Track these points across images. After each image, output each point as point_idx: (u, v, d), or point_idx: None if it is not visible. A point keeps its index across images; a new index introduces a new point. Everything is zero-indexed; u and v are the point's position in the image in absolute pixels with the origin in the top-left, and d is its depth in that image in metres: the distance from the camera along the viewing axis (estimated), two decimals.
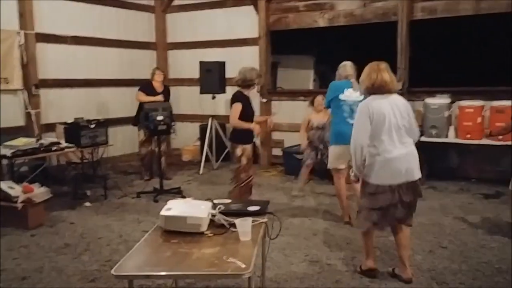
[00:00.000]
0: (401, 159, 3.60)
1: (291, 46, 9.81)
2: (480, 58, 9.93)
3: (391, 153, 3.60)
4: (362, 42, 9.56)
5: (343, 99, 5.09)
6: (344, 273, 4.01)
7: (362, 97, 4.90)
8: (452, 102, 6.85)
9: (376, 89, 3.66)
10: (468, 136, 6.60)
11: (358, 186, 5.03)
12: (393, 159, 3.59)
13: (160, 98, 7.21)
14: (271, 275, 3.93)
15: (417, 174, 3.68)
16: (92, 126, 6.33)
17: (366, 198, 3.74)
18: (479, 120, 6.57)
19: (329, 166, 5.29)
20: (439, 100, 6.80)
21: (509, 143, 6.30)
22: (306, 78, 10.29)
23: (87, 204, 6.22)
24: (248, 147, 5.17)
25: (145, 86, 7.43)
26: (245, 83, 5.16)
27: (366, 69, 3.77)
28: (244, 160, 5.11)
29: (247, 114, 5.13)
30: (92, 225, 5.42)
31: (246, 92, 5.21)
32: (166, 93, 7.51)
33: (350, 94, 5.07)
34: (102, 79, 8.50)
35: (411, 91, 7.21)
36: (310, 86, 10.29)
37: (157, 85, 7.45)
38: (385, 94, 3.67)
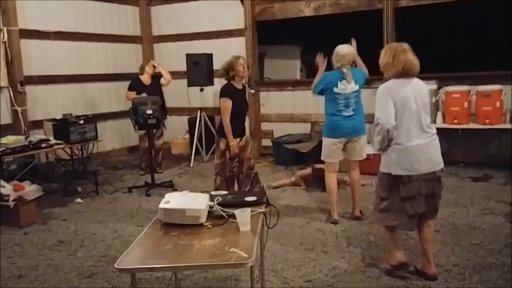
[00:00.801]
0: (421, 148, 3.37)
1: (278, 37, 9.81)
2: (465, 44, 10.03)
3: (411, 141, 3.37)
4: (348, 31, 9.58)
5: (338, 92, 4.85)
6: (340, 259, 4.06)
7: (357, 87, 4.86)
8: (439, 88, 6.93)
9: (405, 72, 3.39)
10: (456, 121, 6.68)
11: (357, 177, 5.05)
12: (413, 147, 3.36)
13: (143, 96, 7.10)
14: (268, 264, 3.96)
15: (437, 165, 3.44)
16: (81, 121, 6.27)
17: (384, 190, 3.53)
18: (466, 105, 6.65)
19: (322, 157, 5.12)
20: (426, 86, 6.85)
21: (496, 126, 6.41)
22: (293, 68, 10.31)
23: (79, 200, 6.18)
24: (234, 141, 4.99)
25: (133, 84, 7.41)
26: (228, 74, 4.96)
27: (389, 52, 3.46)
28: (227, 154, 4.98)
29: (238, 109, 4.95)
30: (85, 221, 5.40)
31: (236, 83, 5.00)
32: (156, 84, 7.45)
33: (345, 87, 4.85)
34: (87, 74, 8.42)
35: None
36: (297, 76, 10.31)
37: (145, 79, 7.40)
38: (409, 78, 3.42)
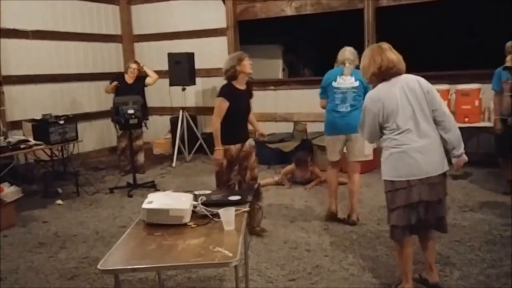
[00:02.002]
0: (420, 150, 3.10)
1: (259, 36, 9.84)
2: (445, 43, 10.19)
3: (408, 144, 3.12)
4: (329, 30, 9.67)
5: (335, 87, 4.77)
6: (324, 258, 4.08)
7: (358, 83, 4.74)
8: None
9: (383, 73, 3.18)
10: None
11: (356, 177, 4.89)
12: (410, 150, 3.10)
13: (114, 83, 7.11)
14: (252, 263, 3.96)
15: (439, 168, 3.16)
16: (61, 122, 6.17)
17: (386, 198, 3.27)
18: (445, 103, 6.73)
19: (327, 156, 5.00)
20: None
21: (475, 125, 6.51)
22: (275, 67, 10.35)
23: (59, 202, 6.10)
24: (232, 147, 4.44)
25: (115, 77, 7.35)
26: (227, 73, 4.41)
27: (367, 53, 3.31)
28: (224, 162, 4.43)
29: (235, 111, 4.39)
30: (66, 223, 5.32)
31: (238, 84, 4.43)
32: (139, 84, 7.38)
33: (344, 81, 4.75)
34: (67, 73, 8.30)
35: None
36: (280, 75, 10.35)
37: (128, 78, 7.34)
38: (395, 78, 3.19)
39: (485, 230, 4.48)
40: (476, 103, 6.48)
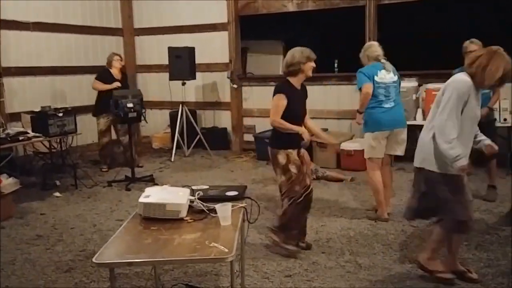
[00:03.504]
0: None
1: (261, 31, 9.81)
2: (446, 41, 10.14)
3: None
4: (331, 27, 9.65)
5: (378, 81, 4.66)
6: (320, 255, 4.08)
7: (396, 77, 4.76)
8: (420, 85, 7.00)
9: (505, 76, 3.20)
10: None
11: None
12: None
13: (116, 85, 6.99)
14: (249, 258, 3.97)
15: (420, 163, 3.41)
16: (60, 114, 6.17)
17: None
18: None
19: (365, 155, 4.88)
20: (407, 84, 6.91)
21: None
22: (275, 63, 10.30)
23: (57, 194, 6.10)
24: (294, 152, 4.01)
25: (102, 74, 7.24)
26: (290, 68, 3.97)
27: (490, 58, 3.18)
28: (293, 169, 3.96)
29: (294, 112, 3.99)
30: (64, 215, 5.33)
31: (294, 82, 4.02)
32: (124, 80, 7.34)
33: (385, 76, 4.70)
34: (67, 66, 8.28)
35: None
36: (280, 71, 10.30)
37: (115, 72, 7.26)
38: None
39: (482, 230, 4.48)
40: None
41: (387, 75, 4.74)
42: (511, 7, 7.18)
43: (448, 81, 3.33)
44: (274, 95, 3.98)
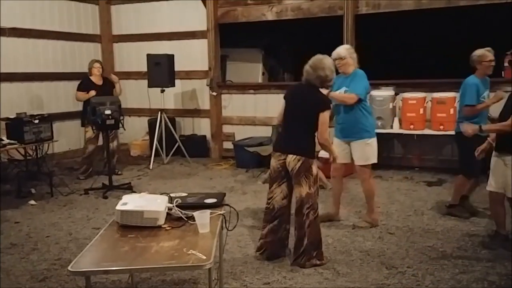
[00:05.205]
0: None
1: (240, 40, 9.84)
2: (422, 52, 10.36)
3: None
4: (309, 36, 9.74)
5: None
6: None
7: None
8: (396, 94, 7.11)
9: None
10: (412, 126, 6.87)
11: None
12: None
13: (92, 94, 6.86)
14: (227, 266, 3.95)
15: None
16: (36, 121, 6.08)
17: None
18: (421, 111, 6.86)
19: (368, 162, 4.74)
20: (384, 92, 7.03)
21: (450, 132, 6.62)
22: (255, 71, 10.37)
23: (32, 202, 5.99)
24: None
25: (83, 84, 7.16)
26: (328, 82, 3.95)
27: None
28: (317, 180, 3.97)
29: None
30: (39, 224, 5.23)
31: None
32: (107, 85, 7.25)
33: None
34: (43, 72, 8.18)
35: None
36: (259, 79, 10.37)
37: (96, 79, 7.20)
38: None
39: (457, 236, 4.56)
40: (452, 111, 6.58)
41: None
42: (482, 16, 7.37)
43: None
44: (322, 109, 3.79)
